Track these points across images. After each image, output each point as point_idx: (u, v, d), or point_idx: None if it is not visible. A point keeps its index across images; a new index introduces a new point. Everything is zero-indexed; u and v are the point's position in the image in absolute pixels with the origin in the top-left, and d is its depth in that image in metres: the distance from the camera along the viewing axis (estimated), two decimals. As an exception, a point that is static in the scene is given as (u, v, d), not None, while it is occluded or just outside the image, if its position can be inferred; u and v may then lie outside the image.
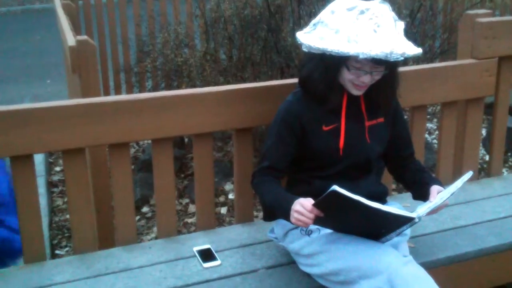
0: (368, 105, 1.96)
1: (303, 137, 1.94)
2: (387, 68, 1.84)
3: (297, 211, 1.75)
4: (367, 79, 1.83)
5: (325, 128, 1.93)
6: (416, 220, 1.74)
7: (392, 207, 1.77)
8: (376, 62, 1.77)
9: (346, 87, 1.88)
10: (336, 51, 1.74)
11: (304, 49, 1.87)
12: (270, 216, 2.05)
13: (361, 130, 1.96)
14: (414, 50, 1.79)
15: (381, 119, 2.00)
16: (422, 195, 1.97)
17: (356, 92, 1.88)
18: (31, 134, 1.95)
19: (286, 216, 1.82)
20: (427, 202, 1.88)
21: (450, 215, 2.39)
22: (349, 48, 1.72)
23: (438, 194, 1.87)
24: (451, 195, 1.84)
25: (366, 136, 1.97)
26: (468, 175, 1.87)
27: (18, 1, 13.10)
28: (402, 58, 1.76)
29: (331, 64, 1.83)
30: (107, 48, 5.33)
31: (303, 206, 1.74)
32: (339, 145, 1.92)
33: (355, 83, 1.85)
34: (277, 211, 1.92)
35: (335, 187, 1.62)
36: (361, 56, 1.71)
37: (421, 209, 1.80)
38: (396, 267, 1.71)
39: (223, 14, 3.99)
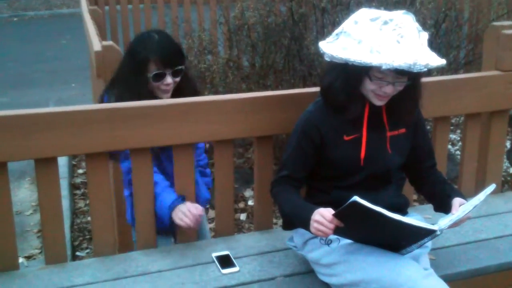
0: (389, 115, 1.95)
1: (323, 147, 1.94)
2: (410, 79, 1.83)
3: (317, 221, 1.75)
4: (389, 90, 1.82)
5: (346, 138, 1.93)
6: (438, 232, 1.73)
7: (413, 219, 1.76)
8: (399, 72, 1.76)
9: (368, 97, 1.88)
10: (359, 62, 1.74)
11: (327, 59, 1.87)
12: (289, 225, 2.05)
13: (382, 140, 1.95)
14: (437, 61, 1.78)
15: (402, 130, 1.99)
16: (443, 207, 1.95)
17: (378, 102, 1.87)
18: (55, 137, 1.98)
19: (305, 225, 1.82)
20: (449, 214, 1.86)
21: (472, 228, 2.36)
22: (371, 59, 1.72)
23: (460, 207, 1.85)
24: (474, 208, 1.82)
25: (388, 147, 1.96)
26: (491, 188, 1.85)
27: (45, 5, 13.33)
28: (426, 69, 1.75)
29: (353, 74, 1.83)
30: (131, 53, 5.38)
31: (323, 216, 1.74)
32: (360, 156, 1.92)
33: (377, 93, 1.84)
34: (296, 220, 1.92)
35: (356, 198, 1.62)
36: (384, 67, 1.71)
37: (443, 222, 1.78)
38: (416, 280, 1.69)
39: (247, 22, 4.01)
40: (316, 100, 2.00)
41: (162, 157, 2.29)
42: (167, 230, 2.35)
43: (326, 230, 1.73)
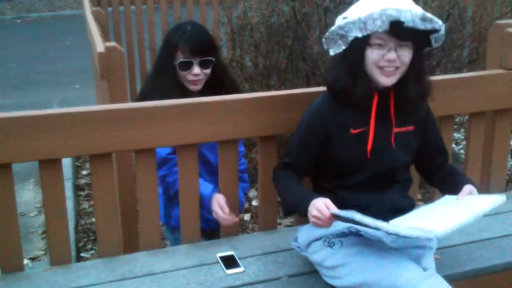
0: (398, 110, 1.95)
1: (328, 141, 1.94)
2: (413, 45, 1.83)
3: (315, 216, 1.78)
4: (392, 56, 1.81)
5: (353, 131, 1.93)
6: (433, 239, 1.72)
7: (411, 226, 1.74)
8: (399, 36, 1.78)
9: (374, 76, 1.86)
10: (357, 17, 1.78)
11: (327, 46, 1.92)
12: (289, 212, 2.08)
13: (387, 135, 1.95)
14: (435, 18, 1.80)
15: (410, 127, 1.99)
16: (452, 192, 1.95)
17: (385, 80, 1.85)
18: (59, 138, 1.98)
19: (305, 216, 1.85)
20: (454, 197, 1.88)
21: (477, 227, 2.35)
22: (368, 10, 1.76)
23: (463, 214, 1.83)
24: (474, 217, 1.77)
25: (392, 141, 1.95)
26: (500, 199, 1.81)
27: (48, 7, 13.35)
28: (423, 26, 1.78)
29: (354, 50, 1.85)
30: (135, 54, 5.40)
31: (321, 212, 1.76)
32: (366, 148, 1.91)
33: (382, 65, 1.83)
34: (295, 209, 1.96)
35: (354, 215, 1.64)
36: (378, 13, 1.74)
37: (441, 226, 1.75)
38: (416, 283, 1.69)
39: (250, 22, 4.00)
40: (325, 93, 2.00)
41: (202, 149, 2.31)
42: (202, 232, 2.33)
43: (324, 224, 1.77)
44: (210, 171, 2.35)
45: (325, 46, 1.97)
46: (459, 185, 1.93)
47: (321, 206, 1.76)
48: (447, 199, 1.95)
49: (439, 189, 2.14)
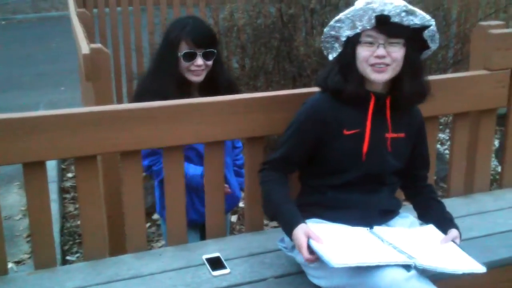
0: (393, 115, 1.96)
1: (323, 137, 1.95)
2: (406, 45, 1.87)
3: (298, 250, 1.82)
4: (381, 52, 1.84)
5: (346, 132, 1.94)
6: (413, 265, 1.74)
7: (392, 255, 1.77)
8: (387, 33, 1.83)
9: (366, 74, 1.88)
10: (345, 15, 1.86)
11: (325, 52, 1.98)
12: (273, 219, 2.10)
13: (383, 139, 1.97)
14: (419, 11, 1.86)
15: (402, 134, 2.00)
16: (430, 222, 2.02)
17: (376, 76, 1.87)
18: (44, 141, 1.97)
19: (288, 235, 1.88)
20: (438, 234, 1.95)
21: (462, 226, 2.34)
22: (353, 7, 1.83)
23: (450, 248, 1.90)
24: (449, 271, 1.80)
25: (388, 145, 1.97)
26: (480, 270, 1.82)
27: (34, 8, 13.25)
28: (411, 22, 1.85)
29: (345, 49, 1.90)
30: (121, 55, 5.37)
31: (300, 249, 1.79)
32: (360, 149, 1.93)
33: (373, 62, 1.85)
34: (280, 224, 1.96)
35: (334, 265, 1.67)
36: (363, 8, 1.82)
37: (423, 258, 1.78)
38: (400, 283, 1.70)
39: (236, 23, 4.00)
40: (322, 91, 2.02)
41: (191, 155, 2.35)
42: (194, 224, 2.42)
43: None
44: (202, 162, 2.37)
45: (324, 52, 2.01)
46: (444, 223, 1.99)
47: (302, 243, 1.78)
48: (432, 231, 1.98)
49: (415, 207, 2.16)
